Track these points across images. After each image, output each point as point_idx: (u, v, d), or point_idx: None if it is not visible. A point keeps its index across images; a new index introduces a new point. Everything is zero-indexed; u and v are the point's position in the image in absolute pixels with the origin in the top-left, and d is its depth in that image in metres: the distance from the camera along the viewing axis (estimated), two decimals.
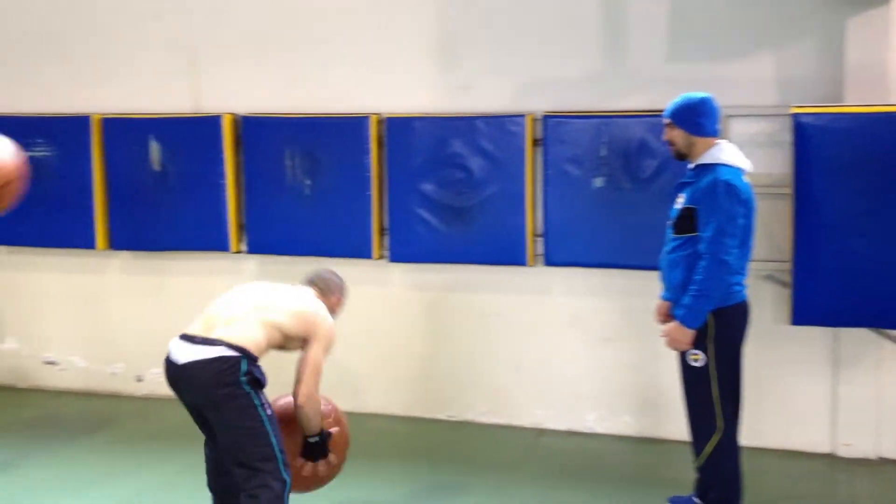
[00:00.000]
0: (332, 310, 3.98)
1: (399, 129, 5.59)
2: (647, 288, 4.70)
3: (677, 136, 4.10)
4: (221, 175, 5.87)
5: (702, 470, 4.14)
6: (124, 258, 6.31)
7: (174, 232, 6.01)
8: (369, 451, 4.97)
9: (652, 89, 5.17)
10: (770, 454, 5.17)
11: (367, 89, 5.75)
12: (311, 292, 3.93)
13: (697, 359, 4.02)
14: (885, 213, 4.69)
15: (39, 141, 6.08)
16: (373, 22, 5.74)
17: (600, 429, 5.56)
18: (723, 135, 4.41)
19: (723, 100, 4.25)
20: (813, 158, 4.78)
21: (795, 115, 4.81)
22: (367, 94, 5.74)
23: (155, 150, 5.98)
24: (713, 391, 4.02)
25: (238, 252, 5.98)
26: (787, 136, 4.91)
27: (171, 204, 5.97)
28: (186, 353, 3.57)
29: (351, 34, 5.78)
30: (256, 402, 3.55)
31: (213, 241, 5.95)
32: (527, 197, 5.40)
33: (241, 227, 5.96)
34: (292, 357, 3.77)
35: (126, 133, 6.02)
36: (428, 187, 5.55)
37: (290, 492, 3.61)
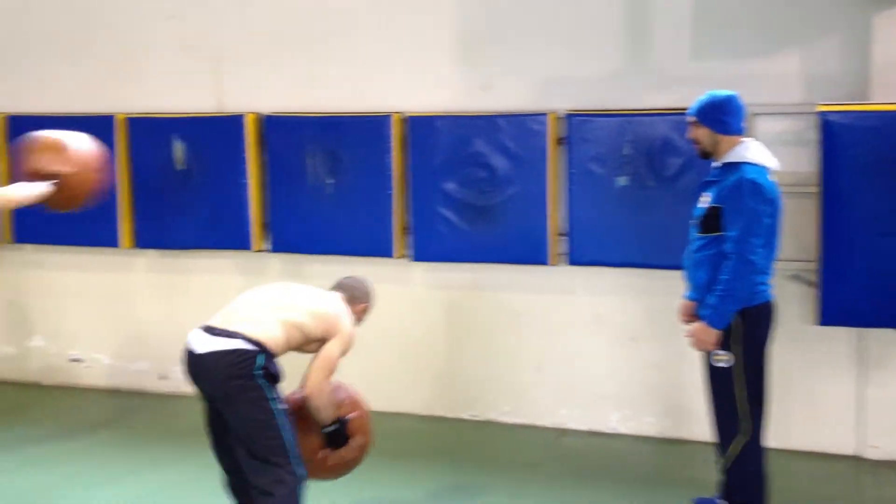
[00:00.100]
0: (357, 317, 3.99)
1: (421, 127, 5.59)
2: (671, 287, 4.67)
3: (702, 134, 4.07)
4: (244, 174, 5.89)
5: (727, 472, 4.10)
6: (149, 257, 6.35)
7: (198, 231, 6.04)
8: (390, 450, 4.96)
9: (676, 87, 5.13)
10: (796, 456, 5.12)
11: (389, 88, 5.75)
12: (336, 296, 3.93)
13: (723, 359, 3.98)
14: None
15: None
16: (395, 21, 5.74)
17: (623, 429, 5.52)
18: (749, 133, 4.37)
19: (748, 97, 4.20)
20: (840, 157, 4.73)
21: (822, 113, 4.76)
22: (390, 92, 5.74)
23: (178, 149, 6.01)
24: (738, 392, 3.98)
25: (261, 251, 6.00)
26: (813, 135, 4.86)
27: (195, 203, 6.00)
28: (205, 344, 3.59)
29: (373, 33, 5.78)
30: (269, 395, 3.56)
31: (235, 239, 5.97)
32: (549, 196, 5.37)
33: (263, 226, 5.98)
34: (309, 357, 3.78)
35: (150, 133, 6.06)
36: (450, 186, 5.54)
37: (304, 486, 3.61)
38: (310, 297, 3.84)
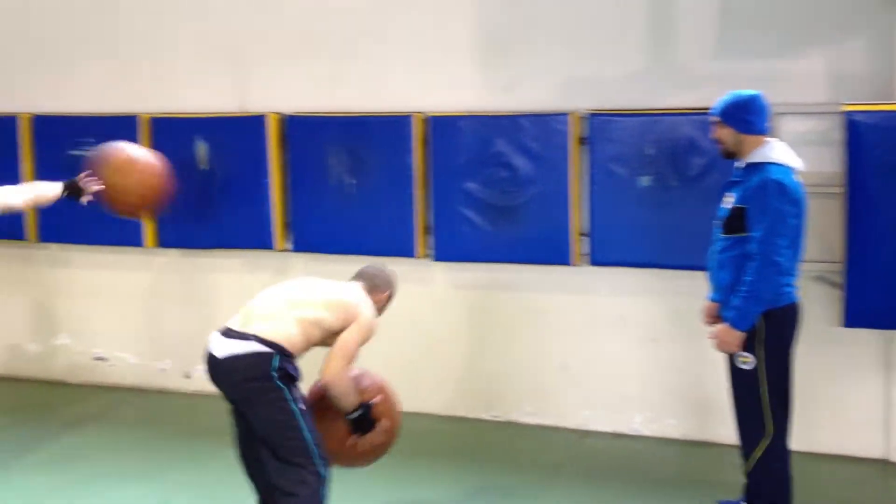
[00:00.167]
0: (379, 306, 3.95)
1: (443, 127, 5.58)
2: (695, 288, 4.64)
3: (726, 134, 4.03)
4: (266, 174, 5.91)
5: (750, 475, 4.07)
6: (172, 256, 6.39)
7: (220, 230, 6.07)
8: (413, 450, 4.95)
9: (700, 86, 5.09)
10: (821, 459, 5.06)
11: (411, 88, 5.75)
12: (357, 286, 3.90)
13: (747, 361, 3.95)
14: None
15: (89, 140, 6.16)
16: (417, 21, 5.73)
17: (646, 431, 5.49)
18: (773, 133, 4.33)
19: (772, 97, 4.16)
20: (865, 157, 4.68)
21: (847, 113, 4.71)
22: (411, 92, 5.74)
23: (201, 149, 6.05)
24: (763, 394, 3.95)
25: (283, 250, 6.02)
26: (838, 134, 4.81)
27: (218, 202, 6.03)
28: (223, 348, 3.61)
29: (395, 33, 5.79)
30: (287, 396, 3.56)
31: (258, 239, 6.00)
32: (571, 196, 5.35)
33: (286, 226, 6.00)
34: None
35: (173, 132, 6.09)
36: (472, 186, 5.54)
37: (328, 486, 3.61)
38: (326, 289, 3.80)
